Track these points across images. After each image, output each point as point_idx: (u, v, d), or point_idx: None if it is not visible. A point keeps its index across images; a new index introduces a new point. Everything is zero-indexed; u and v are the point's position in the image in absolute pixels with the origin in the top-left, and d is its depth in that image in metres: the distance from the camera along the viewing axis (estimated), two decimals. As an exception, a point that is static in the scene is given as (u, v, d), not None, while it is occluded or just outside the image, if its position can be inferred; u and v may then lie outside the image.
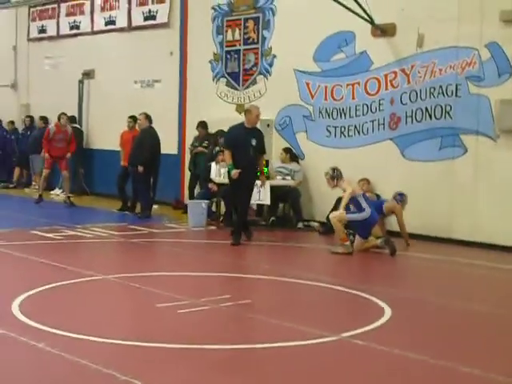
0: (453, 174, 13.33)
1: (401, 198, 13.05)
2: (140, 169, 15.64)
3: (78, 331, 6.84)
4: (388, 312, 7.98)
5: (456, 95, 13.29)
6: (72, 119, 20.11)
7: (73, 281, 9.12)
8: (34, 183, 21.09)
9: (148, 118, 16.09)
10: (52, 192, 19.53)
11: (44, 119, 20.51)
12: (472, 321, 8.00)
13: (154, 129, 16.06)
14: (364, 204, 11.97)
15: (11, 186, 21.80)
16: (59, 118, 17.95)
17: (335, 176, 12.16)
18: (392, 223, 13.35)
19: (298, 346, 6.70)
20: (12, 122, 22.66)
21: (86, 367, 5.88)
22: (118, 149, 17.54)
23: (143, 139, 15.91)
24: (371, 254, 12.18)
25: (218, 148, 15.89)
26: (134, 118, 17.15)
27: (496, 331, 7.60)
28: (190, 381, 5.83)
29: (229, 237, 12.66)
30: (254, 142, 12.68)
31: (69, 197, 17.74)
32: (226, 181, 14.85)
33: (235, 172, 12.54)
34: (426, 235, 13.51)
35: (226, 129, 16.29)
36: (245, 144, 12.55)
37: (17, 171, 22.04)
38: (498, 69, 12.76)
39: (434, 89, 13.55)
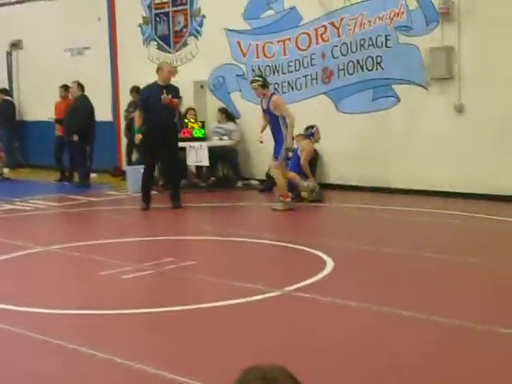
0: (387, 124, 13.47)
1: (311, 131, 13.12)
2: (75, 137, 15.50)
3: (23, 304, 6.83)
4: (330, 264, 8.10)
5: (386, 46, 13.38)
6: (3, 91, 19.79)
7: (14, 254, 9.06)
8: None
9: (80, 86, 15.93)
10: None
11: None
12: (413, 267, 8.16)
13: (86, 96, 15.90)
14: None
15: None
16: None
17: (266, 84, 12.18)
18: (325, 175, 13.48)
19: (242, 303, 6.78)
20: None
21: (34, 339, 5.89)
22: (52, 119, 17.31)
23: (76, 108, 15.76)
24: (310, 208, 12.32)
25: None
26: (66, 87, 16.95)
27: (437, 275, 7.78)
28: (138, 344, 5.87)
29: (165, 200, 12.61)
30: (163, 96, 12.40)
31: (1, 172, 17.51)
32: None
33: (137, 136, 12.59)
34: (362, 186, 13.68)
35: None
36: (159, 102, 12.18)
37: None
38: (426, 17, 12.87)
39: (364, 41, 13.62)
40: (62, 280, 8.17)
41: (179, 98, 12.81)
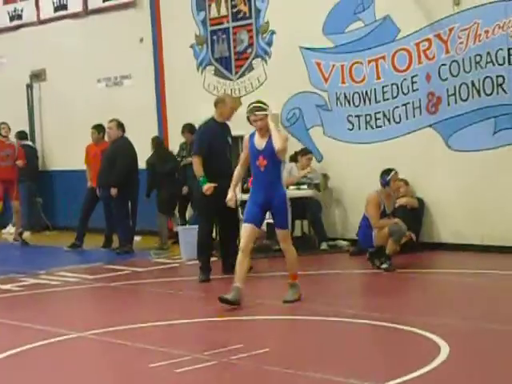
0: (513, 163, 13.36)
1: (386, 178, 12.84)
2: (113, 191, 15.72)
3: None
4: (445, 349, 8.02)
5: (509, 63, 13.34)
6: (22, 135, 20.17)
7: (41, 343, 9.18)
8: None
9: (120, 125, 16.17)
10: (4, 231, 19.61)
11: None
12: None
13: (127, 139, 16.14)
14: None
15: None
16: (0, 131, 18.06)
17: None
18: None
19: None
20: None
21: None
22: (84, 168, 17.57)
23: (115, 154, 15.99)
24: (415, 276, 12.26)
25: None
26: (98, 129, 17.14)
27: None
28: None
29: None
30: (230, 141, 12.86)
31: (20, 233, 17.83)
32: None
33: (208, 186, 12.32)
34: (485, 245, 13.53)
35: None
36: (221, 145, 12.62)
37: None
38: (560, 24, 12.85)
39: (481, 57, 13.59)
40: (104, 376, 8.24)
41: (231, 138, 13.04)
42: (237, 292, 10.32)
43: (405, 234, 12.66)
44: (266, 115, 10.40)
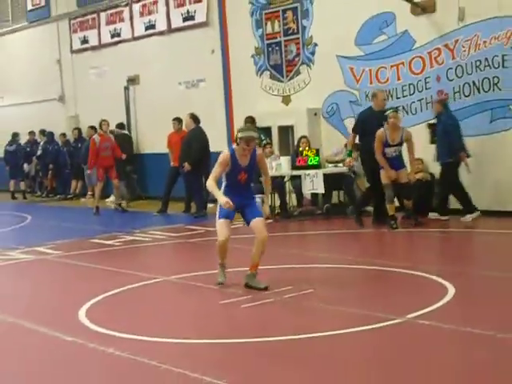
0: (507, 146, 13.16)
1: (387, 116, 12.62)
2: (187, 166, 15.77)
3: (145, 334, 6.95)
4: (451, 290, 7.95)
5: (503, 66, 13.13)
6: (121, 126, 20.36)
7: (135, 285, 9.26)
8: (89, 193, 21.38)
9: (193, 118, 16.20)
10: (107, 200, 19.76)
11: (93, 128, 20.70)
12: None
13: (201, 128, 16.17)
14: None
15: (69, 196, 22.13)
16: (101, 126, 18.15)
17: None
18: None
19: (363, 330, 6.72)
20: (63, 135, 22.98)
21: (156, 368, 5.98)
22: (166, 151, 17.69)
23: (191, 140, 16.03)
24: (429, 233, 12.15)
25: (265, 141, 15.94)
26: (179, 120, 17.28)
27: None
28: (259, 374, 5.88)
29: (282, 228, 12.62)
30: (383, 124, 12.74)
31: (120, 203, 17.97)
32: (278, 173, 14.93)
33: (349, 160, 13.36)
34: (486, 210, 13.37)
35: (274, 123, 16.48)
36: (373, 127, 12.63)
37: (73, 183, 22.34)
38: (544, 35, 12.60)
39: (480, 62, 13.40)
40: (182, 310, 8.27)
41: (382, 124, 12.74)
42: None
43: (391, 200, 12.70)
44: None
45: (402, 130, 12.60)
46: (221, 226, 8.82)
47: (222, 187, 8.89)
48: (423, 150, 13.75)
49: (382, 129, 12.55)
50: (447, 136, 12.91)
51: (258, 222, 8.75)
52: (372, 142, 12.55)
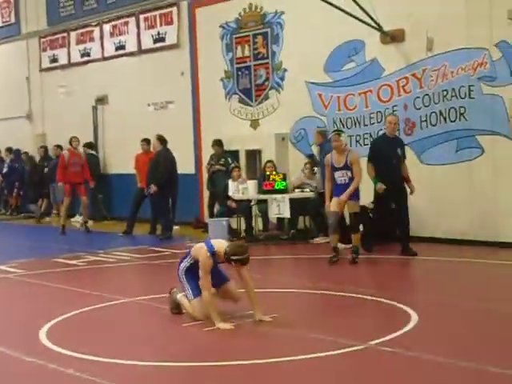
0: (472, 175, 13.28)
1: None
2: (153, 188, 15.70)
3: (106, 355, 6.88)
4: (414, 317, 7.96)
5: (469, 96, 13.26)
6: (89, 145, 20.26)
7: (98, 305, 9.18)
8: (54, 211, 21.21)
9: (160, 139, 16.16)
10: (73, 219, 19.62)
11: (59, 147, 20.57)
12: (498, 321, 7.95)
13: (168, 150, 16.13)
14: None
15: (33, 215, 21.90)
16: (71, 143, 18.06)
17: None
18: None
19: (325, 356, 6.69)
20: (26, 153, 22.74)
21: (116, 390, 5.91)
22: (134, 172, 17.64)
23: (158, 161, 15.99)
24: (388, 260, 12.19)
25: (232, 165, 15.98)
26: (147, 141, 17.26)
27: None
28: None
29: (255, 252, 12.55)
30: (399, 151, 12.62)
31: (85, 222, 17.83)
32: (245, 197, 14.94)
33: (380, 186, 12.46)
34: (447, 238, 13.46)
35: (242, 147, 16.48)
36: (389, 154, 12.45)
37: (40, 202, 22.08)
38: (510, 67, 12.73)
39: (447, 91, 13.53)
40: (146, 332, 8.19)
41: (404, 151, 12.81)
42: None
43: (333, 230, 12.03)
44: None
45: (348, 153, 12.00)
46: (197, 305, 8.28)
47: (186, 276, 8.44)
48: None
49: (328, 155, 12.27)
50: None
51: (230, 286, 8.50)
52: (389, 170, 12.39)
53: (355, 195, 11.97)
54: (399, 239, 12.68)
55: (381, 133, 14.22)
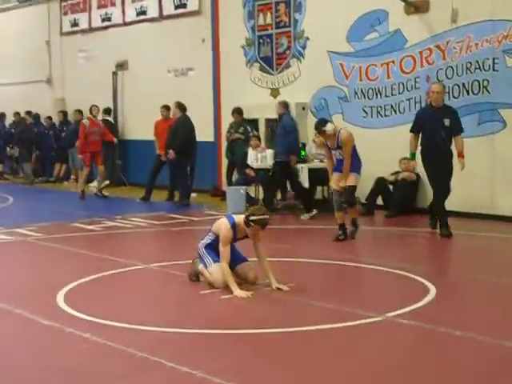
0: (493, 149, 13.18)
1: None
2: (171, 153, 15.69)
3: (124, 320, 6.89)
4: (432, 290, 7.93)
5: (493, 69, 13.12)
6: (107, 111, 20.25)
7: (115, 271, 9.20)
8: (72, 176, 21.25)
9: (180, 106, 16.12)
10: (91, 184, 19.64)
11: (80, 112, 20.54)
12: (518, 296, 7.92)
13: (187, 117, 16.09)
14: None
15: (51, 179, 21.97)
16: (91, 111, 18.03)
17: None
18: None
19: (342, 327, 6.68)
20: (49, 118, 22.81)
21: (133, 355, 5.92)
22: (153, 138, 17.62)
23: (177, 128, 15.96)
24: (409, 233, 12.15)
25: (251, 133, 15.94)
26: (167, 108, 17.22)
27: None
28: (236, 365, 5.84)
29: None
30: (446, 123, 11.58)
31: (101, 190, 17.84)
32: (263, 166, 14.90)
33: (413, 163, 12.27)
34: (466, 212, 13.38)
35: (262, 115, 16.39)
36: (433, 126, 11.52)
37: (57, 166, 22.18)
38: (535, 40, 12.59)
39: (471, 64, 13.39)
40: (162, 298, 8.22)
41: (459, 123, 11.73)
42: None
43: (338, 207, 11.48)
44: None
45: (339, 134, 11.32)
46: (216, 272, 8.24)
47: (206, 249, 8.43)
48: (407, 150, 13.71)
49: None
50: (286, 136, 13.90)
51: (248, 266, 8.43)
52: (432, 143, 11.55)
53: (354, 168, 11.39)
54: (434, 214, 12.03)
55: (402, 105, 14.12)
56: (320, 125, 11.43)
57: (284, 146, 14.09)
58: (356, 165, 11.45)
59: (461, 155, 11.56)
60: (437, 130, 11.51)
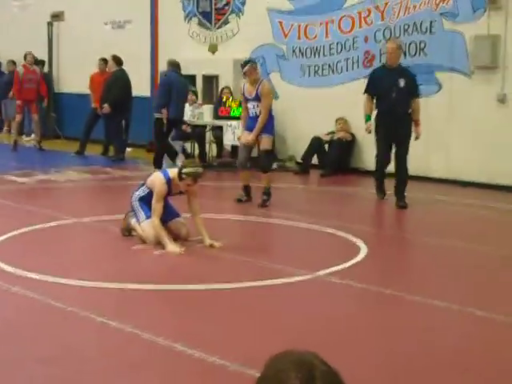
0: (428, 111, 13.24)
1: (243, 68, 10.70)
2: (106, 108, 15.49)
3: (53, 274, 6.80)
4: (364, 249, 7.99)
5: (430, 32, 13.18)
6: (40, 63, 19.79)
7: (47, 224, 9.05)
8: (5, 128, 20.82)
9: (116, 60, 15.88)
10: (25, 138, 19.28)
11: (13, 63, 20.07)
12: (446, 256, 8.02)
13: (124, 70, 15.86)
14: None
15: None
16: (25, 58, 17.65)
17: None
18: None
19: (272, 284, 6.70)
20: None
21: (62, 310, 5.86)
22: (88, 92, 17.36)
23: (113, 82, 15.75)
24: (343, 192, 12.22)
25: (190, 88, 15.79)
26: (105, 60, 16.95)
27: (471, 265, 7.65)
28: (165, 321, 5.82)
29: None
30: (401, 84, 10.75)
31: (39, 141, 17.54)
32: (200, 122, 14.81)
33: (368, 125, 10.91)
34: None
35: (199, 71, 16.22)
36: (386, 86, 10.66)
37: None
38: (473, 4, 12.64)
39: (409, 26, 13.43)
40: (93, 252, 8.14)
41: (415, 86, 10.97)
42: None
43: (242, 165, 10.93)
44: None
45: (260, 84, 10.57)
46: (148, 227, 8.15)
47: (140, 203, 8.30)
48: (348, 110, 13.77)
49: (243, 81, 11.02)
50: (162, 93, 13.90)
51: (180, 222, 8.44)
52: (385, 105, 10.72)
53: (268, 130, 10.66)
54: (395, 187, 11.03)
55: (340, 65, 14.13)
56: (244, 63, 10.67)
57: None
58: (270, 126, 10.72)
59: (416, 123, 10.84)
60: (390, 92, 10.70)
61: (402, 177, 11.02)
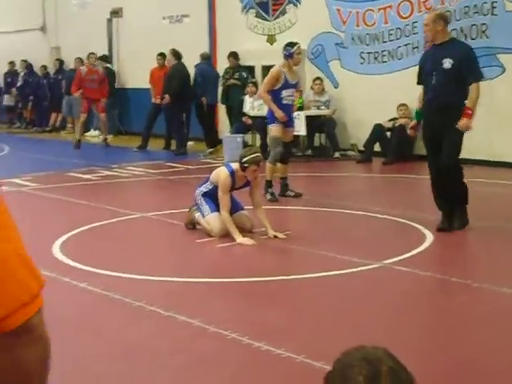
0: (491, 95, 13.04)
1: (288, 50, 10.27)
2: (167, 98, 15.64)
3: (120, 270, 6.87)
4: (430, 237, 7.91)
5: (492, 14, 12.96)
6: (104, 58, 19.98)
7: (112, 220, 9.16)
8: (69, 125, 21.12)
9: (175, 54, 15.99)
10: (87, 134, 19.53)
11: (81, 60, 20.22)
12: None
13: (183, 64, 15.96)
14: None
15: (47, 129, 21.84)
16: (88, 57, 17.86)
17: None
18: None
19: (340, 274, 6.67)
20: (44, 67, 22.58)
21: (130, 305, 5.92)
22: (149, 86, 17.49)
23: (172, 75, 15.87)
24: (406, 179, 12.10)
25: (248, 79, 15.83)
26: (163, 55, 17.06)
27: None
28: (233, 314, 5.84)
29: (262, 168, 12.42)
30: (446, 64, 8.06)
31: (105, 138, 17.74)
32: (260, 114, 14.79)
33: (413, 124, 9.05)
34: (465, 159, 13.28)
35: (258, 62, 16.22)
36: (427, 70, 8.28)
37: (52, 116, 22.03)
38: (535, -16, 12.40)
39: (469, 8, 13.22)
40: (159, 247, 8.22)
41: (471, 66, 8.19)
42: None
43: (276, 160, 10.48)
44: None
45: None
46: (212, 220, 8.17)
47: (204, 198, 8.33)
48: (409, 96, 13.59)
49: (277, 66, 10.36)
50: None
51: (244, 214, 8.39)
52: (427, 94, 8.33)
53: (290, 122, 10.56)
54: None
55: (400, 50, 13.99)
56: (290, 44, 10.29)
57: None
58: (292, 118, 10.68)
59: (465, 113, 8.03)
60: (431, 76, 8.19)
61: (451, 191, 8.35)
